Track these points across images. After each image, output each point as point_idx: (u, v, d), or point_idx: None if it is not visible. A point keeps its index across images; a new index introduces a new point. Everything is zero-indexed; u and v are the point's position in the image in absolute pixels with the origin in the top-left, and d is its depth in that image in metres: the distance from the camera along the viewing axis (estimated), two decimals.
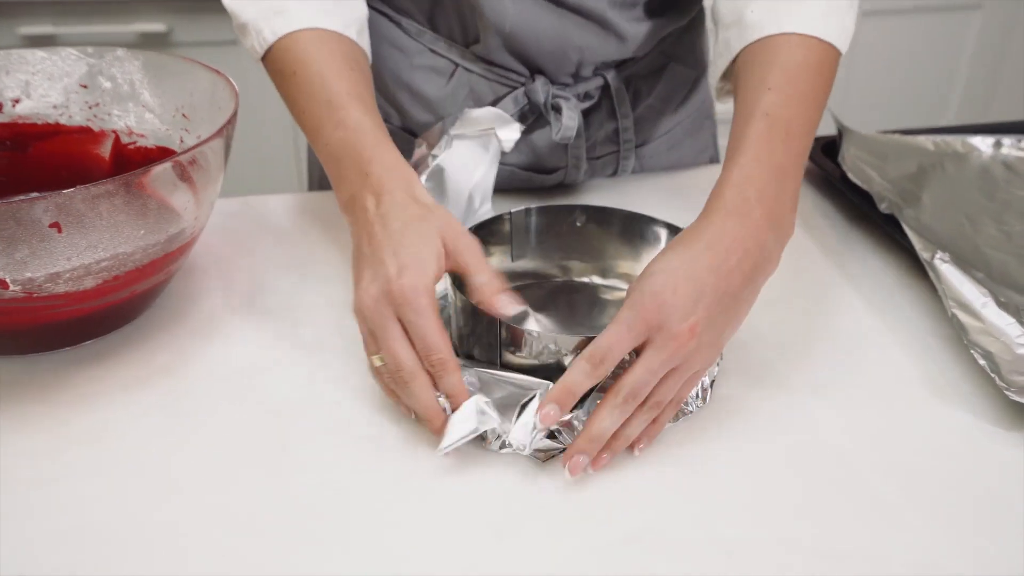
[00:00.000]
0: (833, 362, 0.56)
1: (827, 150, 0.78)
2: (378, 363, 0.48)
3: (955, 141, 0.78)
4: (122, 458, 0.48)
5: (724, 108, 0.64)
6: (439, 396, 0.47)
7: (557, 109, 0.67)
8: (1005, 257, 0.63)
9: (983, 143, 0.78)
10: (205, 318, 0.59)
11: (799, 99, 0.51)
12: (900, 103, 1.75)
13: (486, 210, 0.63)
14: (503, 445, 0.47)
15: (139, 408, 0.51)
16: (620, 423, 0.46)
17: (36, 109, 0.64)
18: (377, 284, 0.47)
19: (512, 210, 0.58)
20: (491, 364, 0.50)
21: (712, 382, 0.51)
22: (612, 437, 0.46)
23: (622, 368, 0.46)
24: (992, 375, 0.51)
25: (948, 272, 0.59)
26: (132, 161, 0.65)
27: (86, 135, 0.65)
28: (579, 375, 0.45)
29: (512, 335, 0.48)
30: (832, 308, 0.61)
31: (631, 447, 0.47)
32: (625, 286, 0.61)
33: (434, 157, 0.57)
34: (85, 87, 0.64)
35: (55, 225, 0.46)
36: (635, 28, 0.67)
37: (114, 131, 0.65)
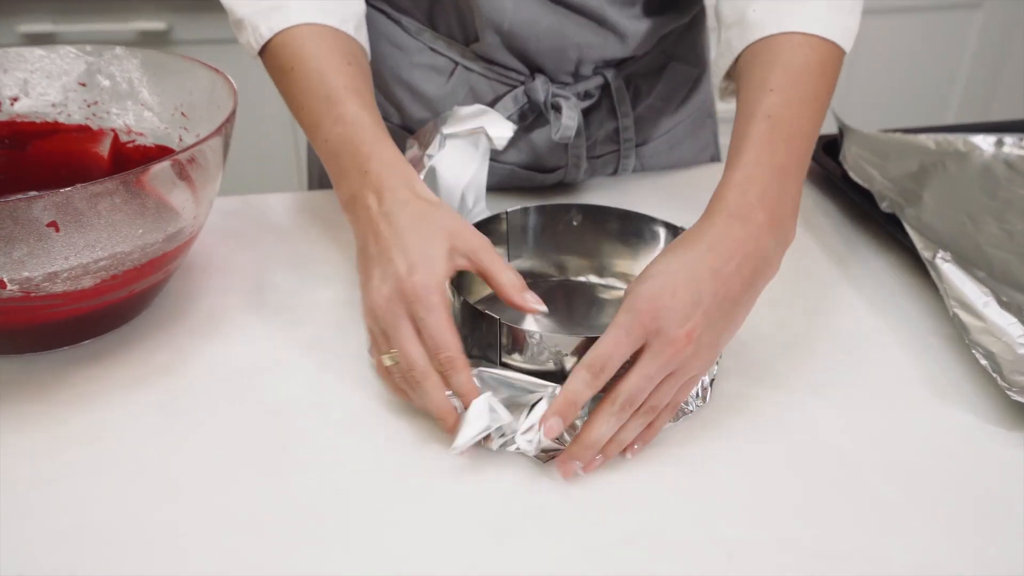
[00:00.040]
0: (834, 361, 0.56)
1: (828, 149, 0.77)
2: (389, 363, 0.48)
3: (956, 140, 0.78)
4: (121, 458, 0.48)
5: (726, 107, 0.63)
6: (450, 395, 0.47)
7: (557, 108, 0.67)
8: (1007, 256, 0.63)
9: (984, 142, 0.78)
10: (204, 317, 0.59)
11: (801, 100, 0.50)
12: (901, 102, 1.75)
13: (480, 208, 0.62)
14: (504, 444, 0.47)
15: (138, 408, 0.51)
16: (616, 429, 0.45)
17: (35, 107, 0.64)
18: (388, 283, 0.47)
19: (509, 209, 0.58)
20: (491, 365, 0.50)
21: (712, 381, 0.51)
22: (607, 442, 0.46)
23: (623, 368, 0.45)
24: (994, 375, 0.51)
25: (949, 271, 0.58)
26: (131, 160, 0.65)
27: (85, 133, 0.64)
28: (580, 385, 0.45)
29: (513, 336, 0.48)
30: (833, 307, 0.61)
31: (624, 451, 0.47)
32: (622, 285, 0.60)
33: (429, 157, 0.57)
34: (84, 85, 0.64)
35: (53, 224, 0.46)
36: (634, 26, 0.66)
37: (113, 130, 0.65)
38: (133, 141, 0.65)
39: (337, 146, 0.52)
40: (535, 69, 0.68)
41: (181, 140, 0.63)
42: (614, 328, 0.44)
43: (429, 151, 0.57)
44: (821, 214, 0.73)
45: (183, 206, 0.53)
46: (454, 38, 0.68)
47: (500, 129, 0.58)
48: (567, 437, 0.47)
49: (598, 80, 0.69)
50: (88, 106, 0.64)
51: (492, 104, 0.68)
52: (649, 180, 0.76)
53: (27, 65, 0.63)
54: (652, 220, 0.58)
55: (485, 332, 0.49)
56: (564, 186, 0.75)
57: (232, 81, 0.58)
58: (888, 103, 1.74)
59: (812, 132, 0.51)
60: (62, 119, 0.64)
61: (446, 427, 0.47)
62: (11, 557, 0.42)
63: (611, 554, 0.43)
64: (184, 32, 1.37)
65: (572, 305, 0.59)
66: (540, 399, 0.47)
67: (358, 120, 0.52)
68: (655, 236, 0.58)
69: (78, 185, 0.45)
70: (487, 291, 0.57)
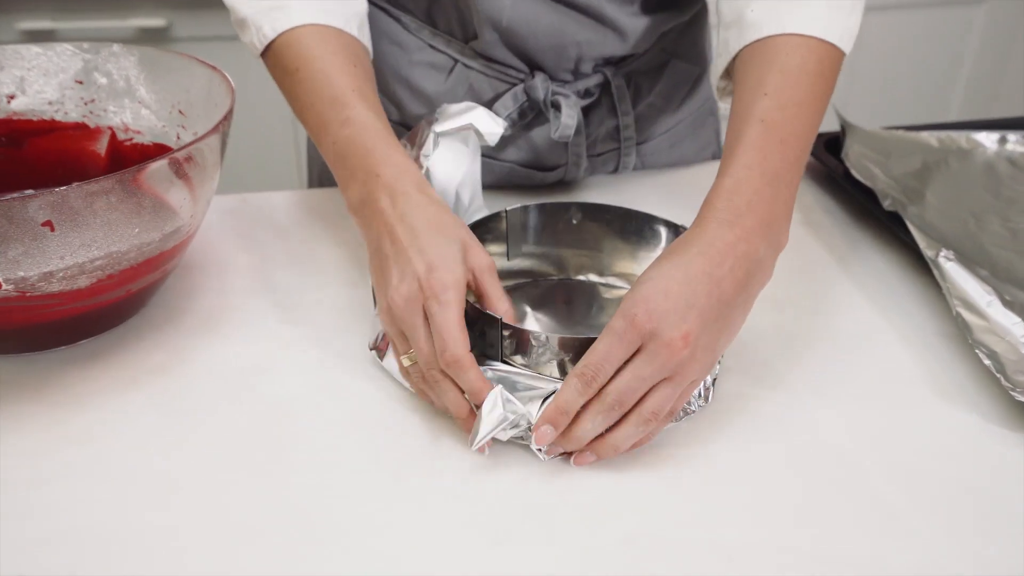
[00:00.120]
0: (835, 361, 0.55)
1: (830, 146, 0.77)
2: (407, 363, 0.48)
3: (959, 137, 0.77)
4: (118, 458, 0.48)
5: (728, 106, 0.63)
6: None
7: (556, 106, 0.66)
8: (1010, 255, 0.62)
9: (988, 139, 0.77)
10: (202, 316, 0.59)
11: (797, 104, 0.50)
12: (903, 98, 1.74)
13: (478, 205, 0.62)
14: (517, 436, 0.46)
15: (135, 408, 0.51)
16: (603, 427, 0.45)
17: (31, 105, 0.63)
18: (406, 283, 0.47)
19: (508, 207, 0.58)
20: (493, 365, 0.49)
21: (714, 381, 0.51)
22: (600, 442, 0.46)
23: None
24: (997, 375, 0.50)
25: (952, 270, 0.58)
26: (128, 158, 0.64)
27: (82, 131, 0.64)
28: (572, 393, 0.44)
29: (513, 336, 0.48)
30: (835, 306, 0.61)
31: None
32: (622, 283, 0.60)
33: (425, 157, 0.57)
34: (81, 83, 0.64)
35: (48, 224, 0.45)
36: (634, 23, 0.66)
37: (110, 128, 0.64)
38: (131, 139, 0.64)
39: (345, 148, 0.52)
40: (534, 67, 0.67)
41: (179, 138, 0.63)
42: (607, 334, 0.44)
43: (424, 151, 0.57)
44: (823, 212, 0.72)
45: (180, 205, 0.53)
46: (453, 35, 0.68)
47: (490, 125, 0.58)
48: None
49: (598, 78, 0.69)
50: (85, 104, 0.64)
51: (492, 102, 0.68)
52: (650, 178, 0.76)
53: (24, 63, 0.63)
54: (652, 218, 0.57)
55: (485, 332, 0.49)
56: (564, 184, 0.75)
57: (230, 79, 0.58)
58: (890, 100, 1.73)
59: (808, 135, 0.50)
60: (59, 117, 0.64)
61: (466, 427, 0.47)
62: (8, 557, 0.42)
63: (611, 555, 0.42)
64: (183, 29, 1.37)
65: (572, 304, 0.59)
66: (554, 391, 0.46)
67: (366, 123, 0.52)
68: (655, 235, 0.58)
69: (74, 184, 0.45)
70: None
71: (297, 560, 0.42)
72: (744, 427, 0.50)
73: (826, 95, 0.52)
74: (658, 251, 0.58)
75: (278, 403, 0.51)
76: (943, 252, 0.59)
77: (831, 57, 0.52)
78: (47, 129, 0.64)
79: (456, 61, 0.68)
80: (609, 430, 0.46)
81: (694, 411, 0.50)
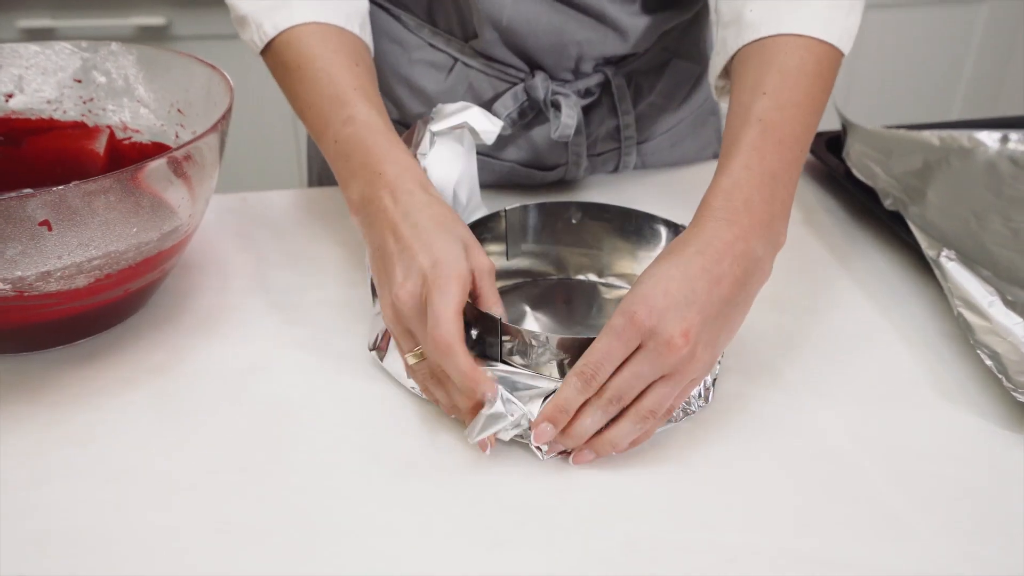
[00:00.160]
0: (836, 361, 0.55)
1: (831, 145, 0.77)
2: (413, 361, 0.48)
3: (961, 136, 0.77)
4: (117, 458, 0.47)
5: (727, 104, 0.63)
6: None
7: (556, 106, 0.66)
8: (1012, 255, 0.62)
9: (989, 138, 0.77)
10: (201, 316, 0.59)
11: (795, 104, 0.50)
12: (904, 97, 1.74)
13: (476, 204, 0.62)
14: (518, 435, 0.46)
15: (134, 408, 0.51)
16: (602, 424, 0.45)
17: (29, 104, 0.63)
18: (412, 280, 0.46)
19: (507, 207, 0.58)
20: (492, 365, 0.49)
21: (714, 381, 0.51)
22: (598, 440, 0.46)
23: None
24: (999, 376, 0.50)
25: (954, 270, 0.58)
26: (127, 157, 0.64)
27: (80, 130, 0.64)
28: (571, 392, 0.44)
29: (512, 336, 0.48)
30: (836, 306, 0.60)
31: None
32: (622, 283, 0.60)
33: (422, 156, 0.57)
34: (79, 82, 0.64)
35: (45, 223, 0.45)
36: (635, 22, 0.66)
37: (109, 126, 0.64)
38: (129, 138, 0.64)
39: (348, 147, 0.52)
40: (535, 66, 0.67)
41: (178, 137, 0.63)
42: (606, 333, 0.44)
43: (420, 150, 0.57)
44: (824, 211, 0.72)
45: (179, 204, 0.53)
46: (453, 34, 0.67)
47: (485, 124, 0.58)
48: None
49: (598, 77, 0.68)
50: (84, 103, 0.64)
51: (492, 101, 0.68)
52: (650, 177, 0.76)
53: (22, 61, 0.63)
54: (653, 218, 0.57)
55: (485, 333, 0.48)
56: (564, 184, 0.75)
57: (228, 78, 0.58)
58: (891, 98, 1.73)
59: (806, 135, 0.50)
60: (57, 116, 0.64)
61: (481, 389, 0.46)
62: (8, 557, 0.42)
63: (611, 556, 0.42)
64: (183, 28, 1.36)
65: (572, 304, 0.59)
66: (554, 391, 0.46)
67: (369, 121, 0.52)
68: (656, 234, 0.58)
69: (72, 183, 0.45)
70: None
71: (297, 560, 0.42)
72: (744, 427, 0.50)
73: (825, 95, 0.52)
74: (658, 251, 0.57)
75: (277, 403, 0.51)
76: (944, 252, 0.59)
77: (830, 57, 0.52)
78: (46, 128, 0.64)
79: (456, 60, 0.68)
80: (607, 427, 0.46)
81: (694, 411, 0.49)
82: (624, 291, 0.59)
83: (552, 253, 0.60)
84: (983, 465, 0.48)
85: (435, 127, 0.57)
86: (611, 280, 0.60)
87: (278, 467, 0.47)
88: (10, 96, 0.63)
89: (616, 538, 0.43)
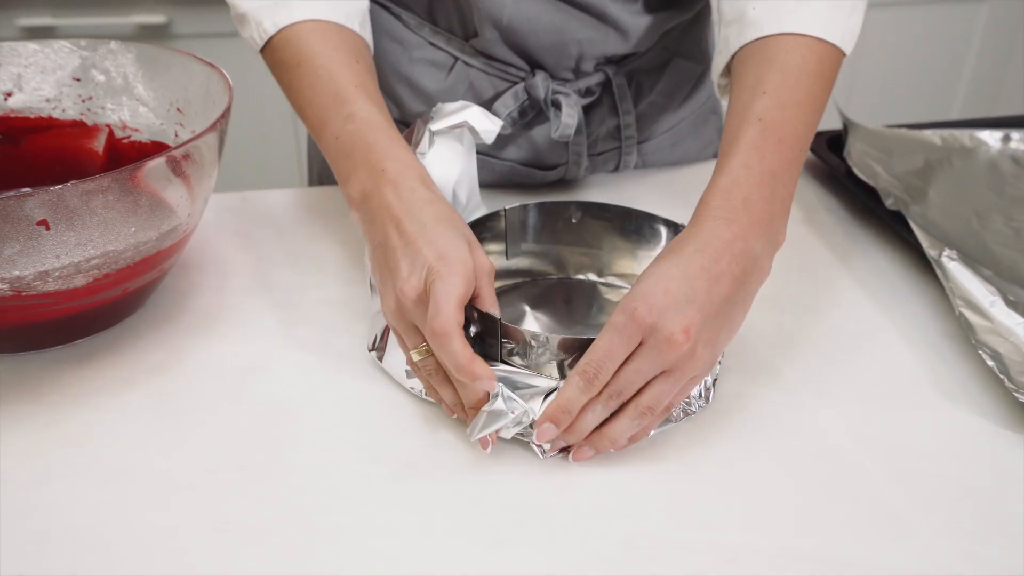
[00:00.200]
0: (837, 361, 0.55)
1: (832, 144, 0.76)
2: (418, 357, 0.47)
3: (963, 135, 0.77)
4: (116, 458, 0.47)
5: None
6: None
7: (557, 105, 0.66)
8: (1014, 254, 0.62)
9: (991, 137, 0.77)
10: (201, 316, 0.58)
11: (796, 103, 0.49)
12: (905, 96, 1.73)
13: (476, 203, 0.62)
14: (520, 434, 0.46)
15: (133, 408, 0.51)
16: (601, 419, 0.45)
17: (28, 103, 0.63)
18: (417, 275, 0.46)
19: (507, 206, 0.58)
20: (492, 365, 0.49)
21: (715, 381, 0.51)
22: (597, 436, 0.46)
23: None
24: (1001, 376, 0.50)
25: (955, 270, 0.58)
26: (126, 156, 0.64)
27: (79, 129, 0.64)
28: (574, 391, 0.44)
29: (512, 336, 0.47)
30: (837, 306, 0.60)
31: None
32: (622, 283, 0.60)
33: (422, 155, 0.56)
34: (78, 80, 0.63)
35: (43, 223, 0.45)
36: (636, 21, 0.65)
37: (108, 125, 0.64)
38: (128, 137, 0.64)
39: (349, 144, 0.52)
40: (535, 65, 0.67)
41: (177, 136, 0.62)
42: (607, 330, 0.44)
43: (420, 148, 0.57)
44: (825, 211, 0.72)
45: (178, 203, 0.53)
46: (454, 33, 0.67)
47: (485, 123, 0.57)
48: None
49: (599, 77, 0.68)
50: (83, 101, 0.64)
51: (492, 100, 0.68)
52: (651, 177, 0.76)
53: (20, 59, 0.63)
54: (653, 217, 0.57)
55: (485, 333, 0.48)
56: (565, 183, 0.74)
57: (227, 76, 0.57)
58: (892, 97, 1.72)
59: (806, 135, 0.50)
60: (56, 114, 0.64)
61: (476, 379, 0.45)
62: (7, 557, 0.42)
63: (612, 556, 0.42)
64: (184, 26, 1.36)
65: (572, 304, 0.58)
66: (555, 389, 0.46)
67: (370, 118, 0.52)
68: (656, 234, 0.57)
69: (70, 183, 0.45)
70: None
71: (296, 560, 0.42)
72: (745, 427, 0.50)
73: (825, 95, 0.52)
74: (658, 250, 0.57)
75: (277, 403, 0.51)
76: (946, 251, 0.59)
77: (831, 57, 0.52)
78: (44, 127, 0.63)
79: (456, 59, 0.68)
80: (606, 423, 0.46)
81: (695, 412, 0.49)
82: (624, 291, 0.59)
83: (552, 253, 0.60)
84: (984, 465, 0.47)
85: (435, 126, 0.57)
86: (611, 280, 0.60)
87: (278, 467, 0.47)
88: (9, 95, 0.63)
89: (616, 537, 0.43)
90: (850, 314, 0.59)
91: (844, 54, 0.53)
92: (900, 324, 0.58)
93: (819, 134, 0.78)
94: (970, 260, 0.59)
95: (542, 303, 0.58)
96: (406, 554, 0.42)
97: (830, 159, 0.75)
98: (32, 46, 0.63)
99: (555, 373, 0.47)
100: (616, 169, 0.76)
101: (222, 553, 0.42)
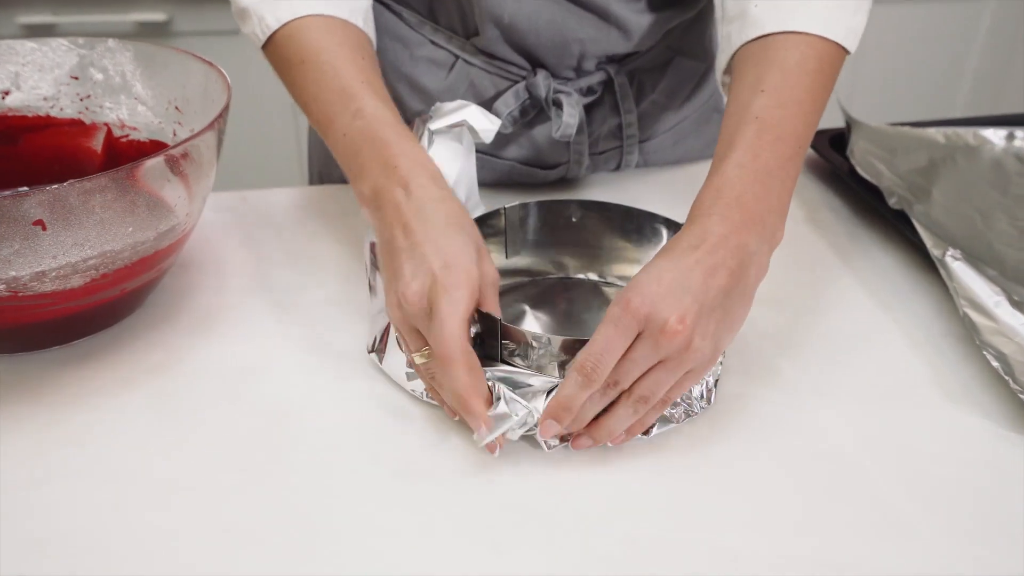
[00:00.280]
0: (839, 362, 0.54)
1: (835, 143, 0.76)
2: (420, 361, 0.47)
3: (966, 133, 0.76)
4: (114, 459, 0.47)
5: None
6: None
7: (558, 104, 0.65)
8: (1018, 254, 0.61)
9: (995, 135, 0.76)
10: (200, 316, 0.58)
11: (795, 102, 0.49)
12: (908, 94, 1.73)
13: (475, 202, 0.61)
14: (526, 432, 0.46)
15: (133, 408, 0.50)
16: (600, 407, 0.45)
17: (26, 101, 0.63)
18: (419, 279, 0.45)
19: (507, 205, 0.57)
20: (492, 365, 0.49)
21: (716, 382, 0.50)
22: (595, 426, 0.46)
23: None
24: (1005, 377, 0.50)
25: (960, 270, 0.57)
26: (125, 155, 0.64)
27: (78, 128, 0.64)
28: (573, 388, 0.44)
29: (512, 337, 0.47)
30: (839, 306, 0.60)
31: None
32: (622, 283, 0.59)
33: None
34: (76, 79, 0.63)
35: (39, 223, 0.45)
36: (639, 20, 0.65)
37: (106, 124, 0.64)
38: (127, 136, 0.64)
39: (358, 140, 0.51)
40: (536, 64, 0.66)
41: (175, 135, 0.62)
42: (603, 324, 0.43)
43: None
44: (827, 210, 0.72)
45: (176, 202, 0.52)
46: (455, 31, 0.67)
47: (484, 122, 0.57)
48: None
49: (601, 75, 0.68)
50: (81, 100, 0.63)
51: (493, 99, 0.67)
52: (652, 176, 0.75)
53: (18, 58, 0.62)
54: (654, 217, 0.57)
55: (485, 334, 0.48)
56: (566, 182, 0.74)
57: (226, 75, 0.57)
58: (895, 95, 1.72)
59: (805, 133, 0.50)
60: (54, 113, 0.63)
61: (478, 413, 0.45)
62: (7, 557, 0.41)
63: (613, 556, 0.42)
64: (184, 24, 1.36)
65: (572, 304, 0.58)
66: (556, 386, 0.46)
67: (378, 114, 0.51)
68: (657, 233, 0.57)
69: (67, 182, 0.45)
70: None
71: (296, 560, 0.42)
72: (746, 428, 0.49)
73: (826, 93, 0.51)
74: (658, 250, 0.57)
75: (277, 403, 0.51)
76: (950, 251, 0.58)
77: (831, 55, 0.52)
78: (42, 125, 0.63)
79: (457, 57, 0.67)
80: (604, 413, 0.45)
81: (697, 413, 0.49)
82: None
83: (552, 252, 0.60)
84: (987, 466, 0.47)
85: (434, 125, 0.57)
86: (611, 279, 0.60)
87: (277, 467, 0.47)
88: (7, 93, 0.62)
89: (616, 537, 0.43)
90: (852, 314, 0.59)
91: (847, 52, 0.52)
92: (903, 324, 0.58)
93: (822, 132, 0.77)
94: (974, 260, 0.58)
95: (542, 303, 0.58)
96: (406, 555, 0.42)
97: (833, 157, 0.74)
98: (30, 44, 0.62)
99: (556, 374, 0.47)
100: (617, 168, 0.75)
101: (222, 553, 0.42)
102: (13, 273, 0.46)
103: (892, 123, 0.78)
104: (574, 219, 0.58)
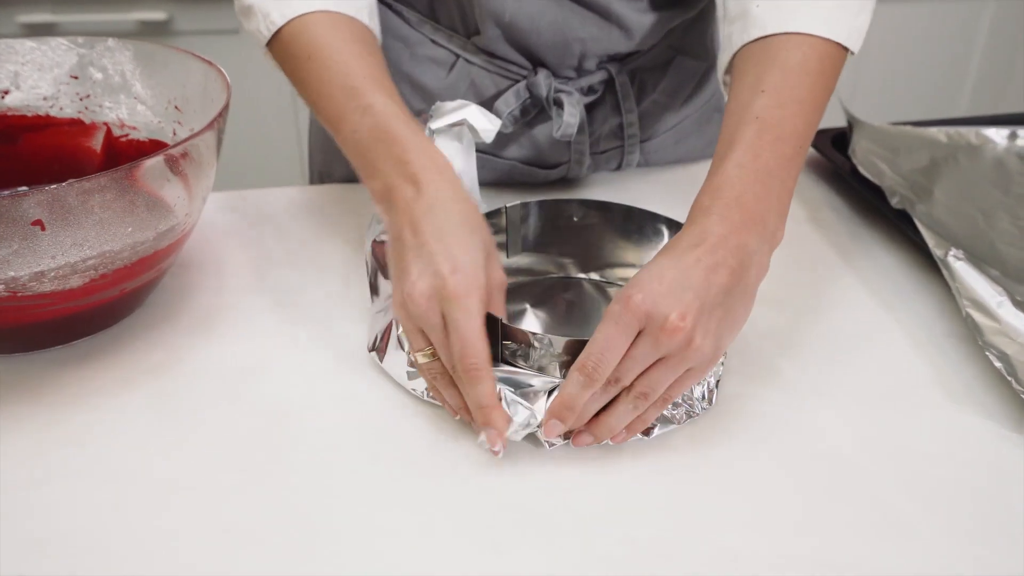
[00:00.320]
0: (841, 362, 0.54)
1: (837, 142, 0.76)
2: (423, 360, 0.47)
3: (968, 132, 0.76)
4: (114, 459, 0.47)
5: None
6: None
7: (559, 104, 0.65)
8: (1021, 253, 0.61)
9: (998, 135, 0.76)
10: (200, 316, 0.58)
11: (796, 102, 0.49)
12: (910, 93, 1.73)
13: (476, 202, 0.61)
14: (529, 432, 0.46)
15: (132, 408, 0.50)
16: (601, 404, 0.45)
17: (26, 101, 0.63)
18: (425, 279, 0.45)
19: (508, 205, 0.57)
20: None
21: (717, 382, 0.50)
22: (596, 423, 0.46)
23: None
24: (1008, 378, 0.50)
25: (962, 270, 0.57)
26: (124, 154, 0.64)
27: (77, 127, 0.63)
28: (575, 387, 0.44)
29: (513, 337, 0.47)
30: (841, 306, 0.60)
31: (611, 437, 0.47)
32: (623, 282, 0.59)
33: None
34: (76, 78, 0.63)
35: (38, 223, 0.45)
36: (640, 19, 0.65)
37: (106, 123, 0.63)
38: (127, 135, 0.64)
39: (369, 137, 0.51)
40: (537, 63, 0.66)
41: (175, 134, 0.62)
42: (604, 322, 0.43)
43: None
44: (829, 209, 0.71)
45: (176, 202, 0.52)
46: (455, 30, 0.67)
47: (484, 122, 0.57)
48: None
49: (602, 75, 0.68)
50: (80, 99, 0.63)
51: (494, 98, 0.67)
52: (653, 175, 0.75)
53: (18, 57, 0.62)
54: (655, 216, 0.57)
55: (486, 332, 0.48)
56: (567, 182, 0.74)
57: (226, 74, 0.57)
58: (897, 94, 1.72)
59: (806, 133, 0.49)
60: (54, 112, 0.63)
61: (495, 424, 0.45)
62: (7, 557, 0.41)
63: (613, 557, 0.42)
64: (185, 22, 1.36)
65: (572, 303, 0.58)
66: (557, 387, 0.46)
67: (388, 110, 0.51)
68: (658, 233, 0.57)
69: (66, 182, 0.44)
70: None
71: (296, 560, 0.41)
72: (747, 428, 0.49)
73: (827, 94, 0.51)
74: (659, 249, 0.57)
75: (277, 403, 0.51)
76: (952, 251, 0.58)
77: (833, 55, 0.51)
78: (42, 125, 0.63)
79: (458, 57, 0.67)
80: (605, 409, 0.45)
81: (698, 414, 0.49)
82: None
83: (553, 251, 0.60)
84: (990, 468, 0.47)
85: (434, 124, 0.57)
86: (612, 279, 0.60)
87: (277, 467, 0.47)
88: (6, 93, 0.62)
89: (616, 537, 0.43)
90: (854, 314, 0.59)
91: (848, 53, 0.52)
92: (905, 324, 0.58)
93: (823, 131, 0.77)
94: (977, 260, 0.58)
95: (543, 302, 0.58)
96: (406, 554, 0.42)
97: (835, 157, 0.74)
98: (29, 43, 0.62)
99: (557, 374, 0.47)
100: (619, 168, 0.75)
101: (222, 553, 0.42)
102: (12, 273, 0.46)
103: (894, 122, 0.78)
104: (575, 219, 0.58)
